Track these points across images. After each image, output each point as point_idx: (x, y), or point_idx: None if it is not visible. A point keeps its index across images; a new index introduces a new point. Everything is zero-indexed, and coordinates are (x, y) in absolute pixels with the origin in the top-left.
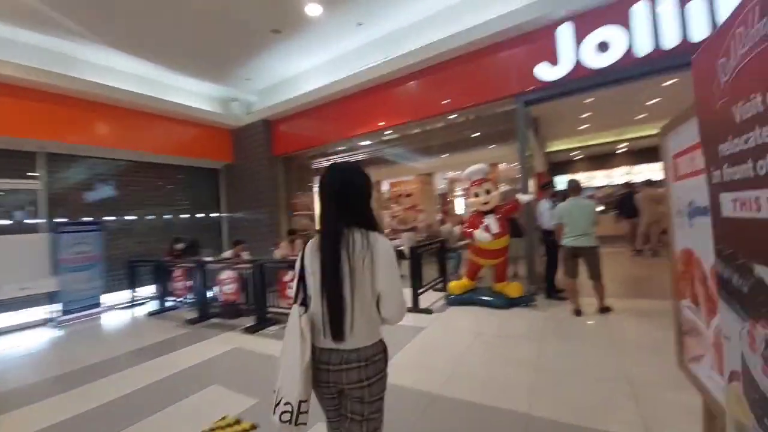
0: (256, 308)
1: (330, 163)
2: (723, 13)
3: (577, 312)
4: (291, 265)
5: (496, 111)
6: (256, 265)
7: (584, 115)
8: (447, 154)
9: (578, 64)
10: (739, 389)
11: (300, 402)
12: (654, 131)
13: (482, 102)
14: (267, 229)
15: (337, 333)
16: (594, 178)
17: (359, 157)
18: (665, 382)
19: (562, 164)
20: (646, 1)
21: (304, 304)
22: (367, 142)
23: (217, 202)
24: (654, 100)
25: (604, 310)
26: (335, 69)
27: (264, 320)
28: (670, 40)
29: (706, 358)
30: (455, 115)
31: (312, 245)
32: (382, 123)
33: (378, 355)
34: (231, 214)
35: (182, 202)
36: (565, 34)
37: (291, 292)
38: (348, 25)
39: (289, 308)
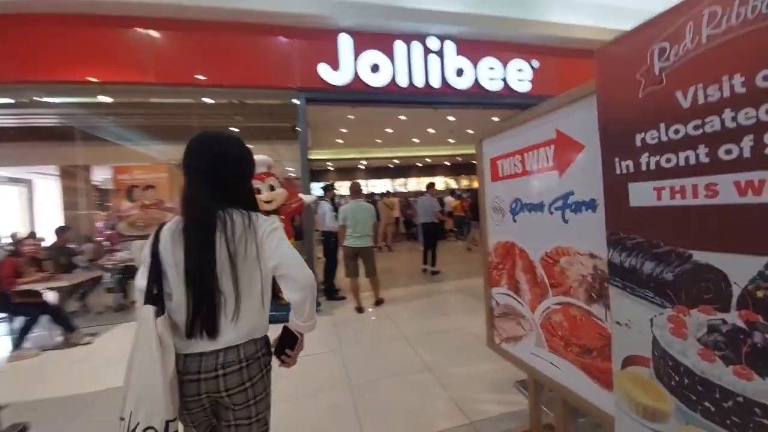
0: None
1: (200, 132)
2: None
3: (359, 309)
4: None
5: (272, 102)
6: None
7: (343, 130)
8: None
9: (357, 77)
10: (644, 374)
11: (167, 422)
12: (388, 154)
13: (258, 85)
14: None
15: (211, 328)
16: (342, 188)
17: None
18: (457, 363)
19: (317, 173)
20: (404, 43)
21: (157, 303)
22: (65, 100)
23: None
24: (389, 130)
25: (380, 302)
26: None
27: None
28: (419, 80)
29: (529, 337)
30: (225, 99)
31: (170, 232)
32: (94, 78)
33: (262, 350)
34: None
35: None
36: (346, 43)
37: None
38: None
39: None
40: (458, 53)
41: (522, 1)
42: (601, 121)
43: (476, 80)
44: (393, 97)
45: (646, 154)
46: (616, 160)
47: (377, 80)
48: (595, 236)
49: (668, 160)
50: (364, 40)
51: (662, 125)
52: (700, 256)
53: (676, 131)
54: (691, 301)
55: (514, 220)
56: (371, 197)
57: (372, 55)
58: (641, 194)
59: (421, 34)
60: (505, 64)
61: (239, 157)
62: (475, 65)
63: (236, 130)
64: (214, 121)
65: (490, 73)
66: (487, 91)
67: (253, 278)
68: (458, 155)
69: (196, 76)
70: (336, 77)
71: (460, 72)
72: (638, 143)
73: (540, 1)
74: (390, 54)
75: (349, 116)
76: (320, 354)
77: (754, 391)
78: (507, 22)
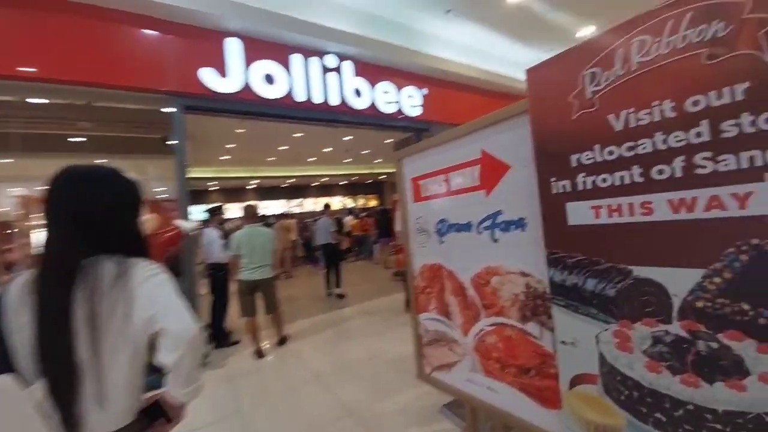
0: None
1: (64, 167)
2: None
3: (259, 353)
4: None
5: (136, 107)
6: None
7: (230, 145)
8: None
9: (248, 86)
10: (592, 391)
11: None
12: (282, 173)
13: (117, 85)
14: None
15: (68, 414)
16: (229, 210)
17: None
18: (378, 398)
19: (197, 194)
20: (302, 56)
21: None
22: None
23: None
24: (283, 147)
25: (283, 340)
26: None
27: None
28: (317, 97)
29: (463, 363)
30: (66, 99)
31: (19, 286)
32: None
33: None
34: None
35: None
36: (235, 48)
37: None
38: None
39: None
40: (356, 74)
41: (410, 33)
42: (535, 140)
43: (373, 102)
44: (289, 111)
45: (582, 174)
46: (553, 180)
47: (272, 92)
48: (525, 254)
49: (604, 180)
50: (259, 48)
51: (597, 146)
52: (639, 271)
53: (611, 152)
54: (635, 315)
55: (441, 241)
56: (265, 220)
57: (266, 65)
58: (579, 213)
59: (320, 50)
60: (399, 89)
61: (117, 195)
62: (372, 87)
63: (82, 139)
64: (48, 127)
65: (386, 97)
66: (383, 113)
67: (122, 344)
68: (355, 174)
69: (20, 67)
70: (222, 84)
71: (358, 92)
72: (574, 163)
73: (424, 36)
74: (287, 66)
75: (237, 130)
76: (211, 425)
77: (703, 398)
78: (399, 50)
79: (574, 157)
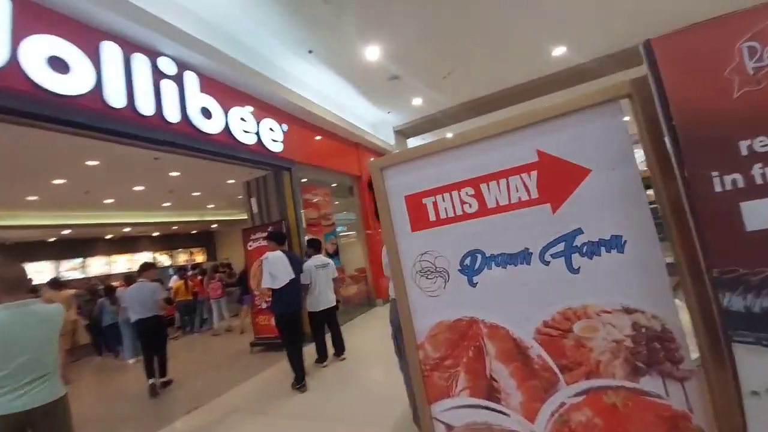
0: None
1: None
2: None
3: None
4: None
5: None
6: None
7: None
8: None
9: (17, 66)
10: None
11: None
12: (51, 221)
13: None
14: None
15: None
16: None
17: None
18: None
19: None
20: (119, 48)
21: None
22: None
23: None
24: (59, 181)
25: None
26: None
27: None
28: (145, 105)
29: None
30: None
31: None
32: None
33: None
34: None
35: None
36: None
37: None
38: None
39: None
40: (203, 90)
41: (272, 65)
42: (681, 125)
43: (228, 127)
44: (95, 119)
45: (759, 165)
46: (714, 174)
47: (65, 84)
48: (627, 283)
49: None
50: (42, 17)
51: None
52: None
53: None
54: None
55: (472, 283)
56: (36, 292)
57: (55, 44)
58: (761, 214)
59: (150, 47)
60: (258, 120)
61: None
62: (226, 112)
63: None
64: None
65: (243, 125)
66: (241, 143)
67: None
68: (176, 223)
69: None
70: None
71: (207, 113)
72: (744, 152)
73: (286, 72)
74: (93, 55)
75: None
76: None
77: None
78: (259, 78)
79: (743, 144)
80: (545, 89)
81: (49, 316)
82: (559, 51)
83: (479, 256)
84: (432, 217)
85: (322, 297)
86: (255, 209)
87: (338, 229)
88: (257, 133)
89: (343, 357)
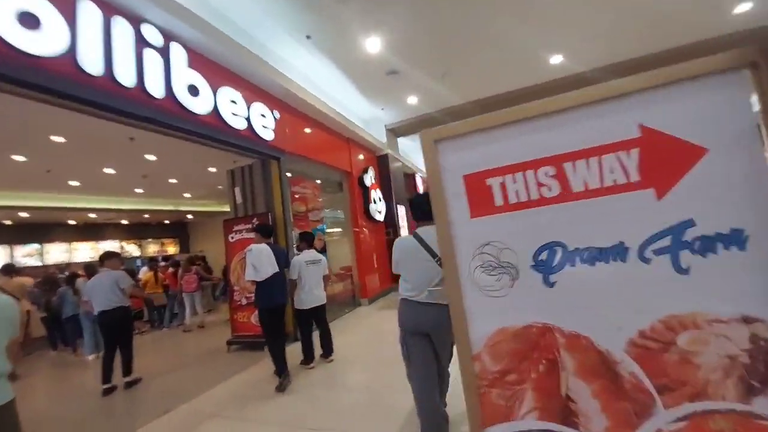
0: None
1: None
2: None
3: None
4: None
5: None
6: None
7: None
8: None
9: None
10: None
11: None
12: (9, 201)
13: None
14: None
15: None
16: None
17: None
18: None
19: None
20: (99, 10)
21: None
22: None
23: None
24: (19, 158)
25: None
26: None
27: None
28: (126, 74)
29: None
30: None
31: None
32: None
33: None
34: None
35: None
36: None
37: None
38: None
39: None
40: (191, 65)
41: (266, 47)
42: None
43: (216, 108)
44: (66, 84)
45: None
46: None
47: (37, 42)
48: (748, 288)
49: None
50: None
51: None
52: None
53: None
54: None
55: (549, 282)
56: None
57: None
58: None
59: (133, 13)
60: (249, 104)
61: None
62: (214, 91)
63: None
64: None
65: (233, 108)
66: (230, 126)
67: None
68: (147, 211)
69: None
70: None
71: (194, 90)
72: None
73: (280, 57)
74: (70, 15)
75: None
76: None
77: None
78: (252, 59)
79: None
80: (542, 96)
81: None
82: (556, 59)
83: (559, 250)
84: (498, 201)
85: (311, 294)
86: (239, 200)
87: (326, 224)
88: (248, 118)
89: (331, 359)
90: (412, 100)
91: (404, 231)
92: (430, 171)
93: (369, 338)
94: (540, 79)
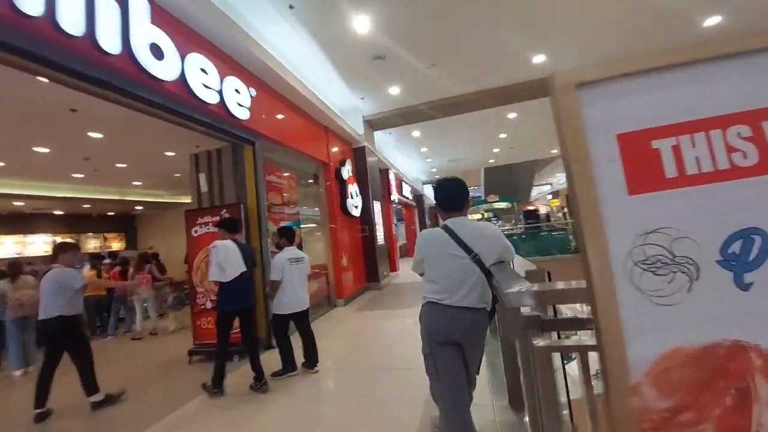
0: None
1: None
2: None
3: None
4: None
5: None
6: None
7: None
8: None
9: None
10: None
11: None
12: None
13: None
14: None
15: None
16: None
17: None
18: None
19: None
20: None
21: None
22: None
23: None
24: None
25: None
26: None
27: None
28: (67, 17)
29: None
30: None
31: None
32: None
33: None
34: None
35: None
36: None
37: None
38: None
39: None
40: (154, 21)
41: (242, 14)
42: None
43: (183, 76)
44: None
45: None
46: None
47: None
48: None
49: None
50: None
51: None
52: None
53: None
54: None
55: (743, 284)
56: None
57: None
58: None
59: None
60: (222, 77)
61: None
62: (182, 56)
63: None
64: None
65: (204, 78)
66: (199, 99)
67: None
68: (87, 200)
69: None
70: None
71: (158, 52)
72: None
73: (259, 27)
74: None
75: None
76: None
77: None
78: (226, 22)
79: None
80: (522, 96)
81: None
82: (539, 59)
83: (758, 240)
84: (670, 171)
85: (295, 296)
86: (204, 188)
87: (300, 219)
88: (220, 92)
89: (316, 369)
90: (394, 90)
91: (380, 228)
92: (568, 128)
93: (353, 344)
94: (521, 78)
